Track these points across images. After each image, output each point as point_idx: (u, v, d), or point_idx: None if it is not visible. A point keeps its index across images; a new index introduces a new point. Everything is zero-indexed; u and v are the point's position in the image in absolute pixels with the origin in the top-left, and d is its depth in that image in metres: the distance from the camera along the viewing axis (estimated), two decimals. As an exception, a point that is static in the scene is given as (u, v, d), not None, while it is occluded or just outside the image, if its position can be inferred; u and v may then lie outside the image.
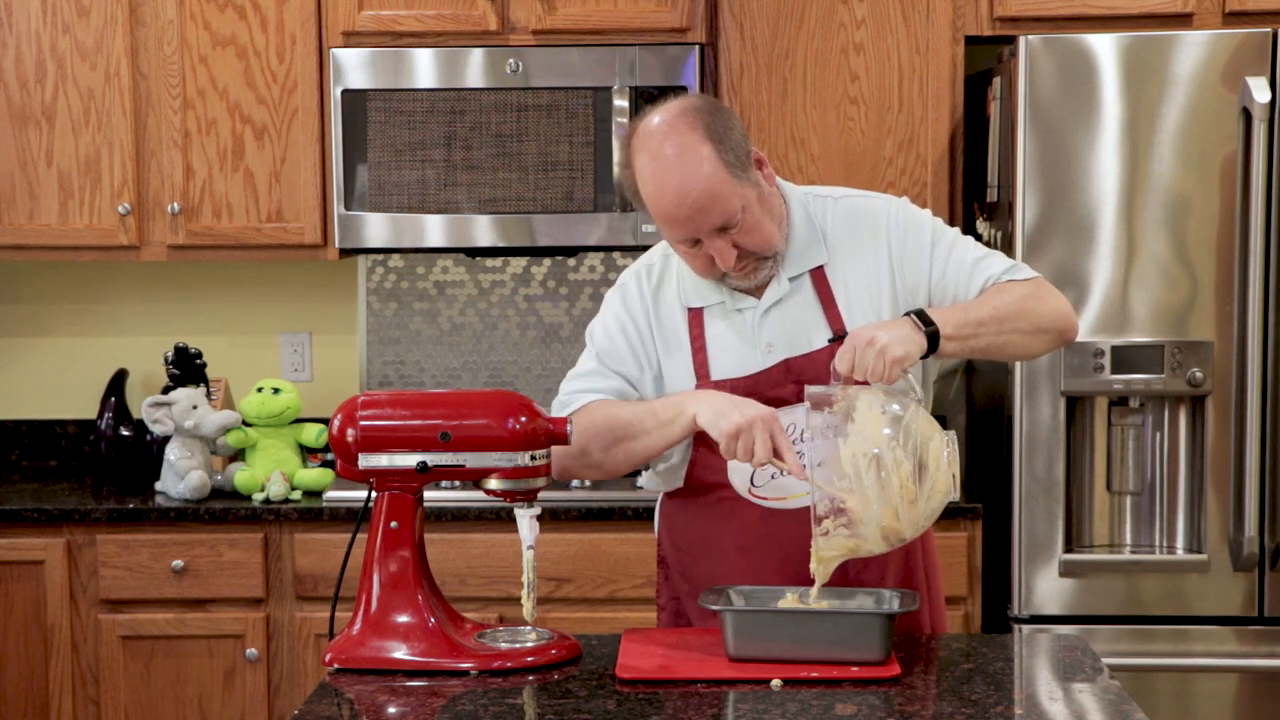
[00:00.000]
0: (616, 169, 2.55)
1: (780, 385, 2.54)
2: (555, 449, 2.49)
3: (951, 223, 3.92)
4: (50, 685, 3.83)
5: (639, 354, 2.63)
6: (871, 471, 2.35)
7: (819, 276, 2.57)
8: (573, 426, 2.47)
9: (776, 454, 2.41)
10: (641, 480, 2.66)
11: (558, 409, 2.64)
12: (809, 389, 2.43)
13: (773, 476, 2.54)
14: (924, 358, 2.47)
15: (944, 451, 2.37)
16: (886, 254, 2.58)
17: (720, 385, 2.55)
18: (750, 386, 2.54)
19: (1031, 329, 2.55)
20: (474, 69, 3.91)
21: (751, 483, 2.56)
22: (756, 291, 2.57)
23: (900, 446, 2.35)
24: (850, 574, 2.55)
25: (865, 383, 2.41)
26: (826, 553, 2.41)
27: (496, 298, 4.38)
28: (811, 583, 2.45)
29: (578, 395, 2.63)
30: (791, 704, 2.22)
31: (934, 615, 2.70)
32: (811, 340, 2.55)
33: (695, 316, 2.60)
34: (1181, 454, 3.66)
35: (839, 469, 2.37)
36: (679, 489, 2.65)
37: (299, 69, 4.00)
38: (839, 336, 2.50)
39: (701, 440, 2.56)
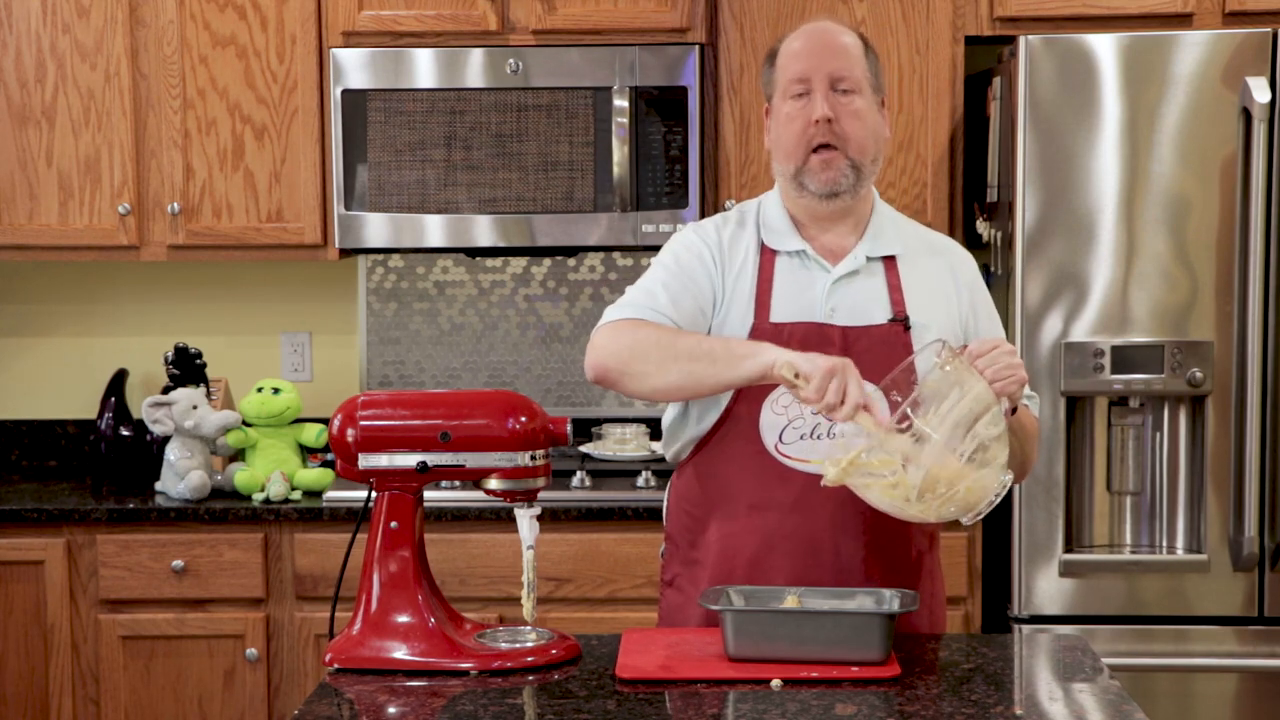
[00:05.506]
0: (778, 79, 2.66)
1: (833, 348, 2.55)
2: (604, 349, 2.53)
3: (952, 222, 3.95)
4: (50, 685, 3.83)
5: (711, 273, 2.66)
6: (960, 430, 2.34)
7: (890, 265, 2.68)
8: (619, 335, 2.53)
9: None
10: (660, 449, 2.67)
11: (605, 321, 2.60)
12: (946, 342, 2.44)
13: (801, 438, 2.58)
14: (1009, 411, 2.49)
15: (997, 481, 2.36)
16: (968, 297, 2.71)
17: (779, 327, 2.59)
18: (808, 333, 2.59)
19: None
20: (474, 69, 3.91)
21: (780, 439, 2.59)
22: (830, 258, 2.66)
23: (993, 429, 2.36)
24: (864, 576, 2.59)
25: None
26: (860, 461, 2.36)
27: (496, 298, 4.38)
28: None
29: (634, 310, 2.60)
30: (791, 704, 2.22)
31: (934, 617, 2.71)
32: (872, 315, 2.63)
33: (769, 259, 2.66)
34: (1181, 454, 3.66)
35: (940, 412, 2.34)
36: (699, 447, 2.66)
37: (299, 69, 4.00)
38: (899, 319, 2.62)
39: (740, 396, 2.59)
